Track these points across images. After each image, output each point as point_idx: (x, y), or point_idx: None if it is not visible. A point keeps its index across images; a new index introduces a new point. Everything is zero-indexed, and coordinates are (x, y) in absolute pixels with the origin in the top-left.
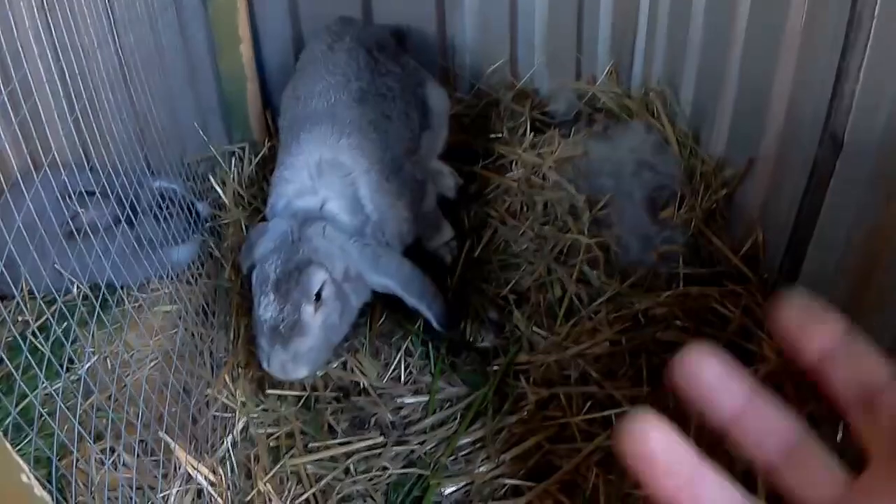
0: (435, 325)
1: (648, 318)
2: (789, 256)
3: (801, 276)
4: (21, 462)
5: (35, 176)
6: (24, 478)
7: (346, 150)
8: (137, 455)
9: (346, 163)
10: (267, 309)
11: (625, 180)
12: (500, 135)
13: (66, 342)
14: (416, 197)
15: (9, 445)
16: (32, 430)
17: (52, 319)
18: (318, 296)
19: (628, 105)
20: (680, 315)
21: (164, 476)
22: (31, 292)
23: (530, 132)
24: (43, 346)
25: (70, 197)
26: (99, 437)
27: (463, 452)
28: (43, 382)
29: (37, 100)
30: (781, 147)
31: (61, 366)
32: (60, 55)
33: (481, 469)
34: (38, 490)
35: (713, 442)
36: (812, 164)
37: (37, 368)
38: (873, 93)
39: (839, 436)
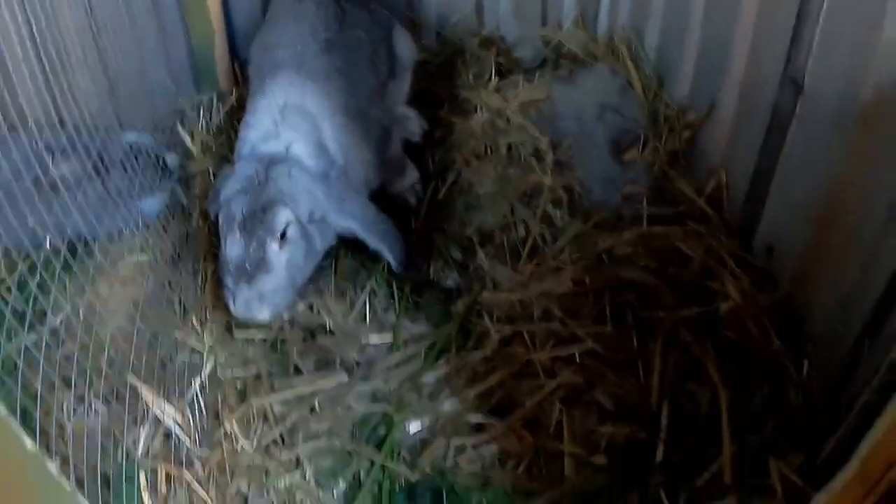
0: (395, 266)
1: (612, 258)
2: (751, 198)
3: (763, 217)
4: None
5: (7, 134)
6: None
7: (310, 97)
8: (107, 401)
9: (311, 108)
10: (233, 247)
11: (588, 123)
12: (465, 80)
13: (33, 296)
14: (382, 142)
15: None
16: (6, 382)
17: (25, 273)
18: (284, 234)
19: (593, 50)
20: (643, 254)
21: (134, 421)
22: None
23: (495, 77)
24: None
25: (42, 153)
26: (66, 388)
27: (427, 390)
28: (16, 335)
29: (7, 58)
30: (743, 91)
31: (32, 320)
32: (30, 14)
33: (445, 406)
34: (14, 425)
35: None
36: (773, 107)
37: (12, 319)
38: (833, 37)
39: (804, 371)
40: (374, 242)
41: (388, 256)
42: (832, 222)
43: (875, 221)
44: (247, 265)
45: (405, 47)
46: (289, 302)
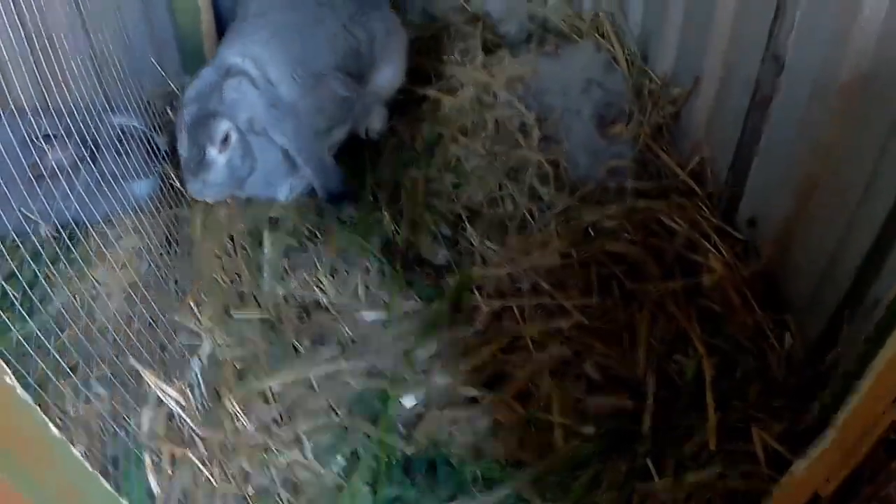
0: (320, 192)
1: (597, 231)
2: (734, 171)
3: (746, 191)
4: (3, 364)
5: (4, 121)
6: (7, 380)
7: (257, 44)
8: (111, 385)
9: (257, 51)
10: (182, 147)
11: (573, 98)
12: (451, 56)
13: (35, 284)
14: (333, 104)
15: None
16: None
17: (26, 262)
18: (226, 140)
19: (578, 26)
20: (628, 228)
21: (136, 403)
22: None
23: (481, 53)
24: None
25: (33, 141)
26: (71, 373)
27: (421, 365)
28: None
29: None
30: (725, 66)
31: (31, 308)
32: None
33: (438, 380)
34: (21, 392)
35: None
36: (755, 83)
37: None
38: (814, 15)
39: (786, 341)
40: (302, 164)
41: (315, 181)
42: (813, 195)
43: (854, 194)
44: (192, 164)
45: (395, 36)
46: (233, 191)
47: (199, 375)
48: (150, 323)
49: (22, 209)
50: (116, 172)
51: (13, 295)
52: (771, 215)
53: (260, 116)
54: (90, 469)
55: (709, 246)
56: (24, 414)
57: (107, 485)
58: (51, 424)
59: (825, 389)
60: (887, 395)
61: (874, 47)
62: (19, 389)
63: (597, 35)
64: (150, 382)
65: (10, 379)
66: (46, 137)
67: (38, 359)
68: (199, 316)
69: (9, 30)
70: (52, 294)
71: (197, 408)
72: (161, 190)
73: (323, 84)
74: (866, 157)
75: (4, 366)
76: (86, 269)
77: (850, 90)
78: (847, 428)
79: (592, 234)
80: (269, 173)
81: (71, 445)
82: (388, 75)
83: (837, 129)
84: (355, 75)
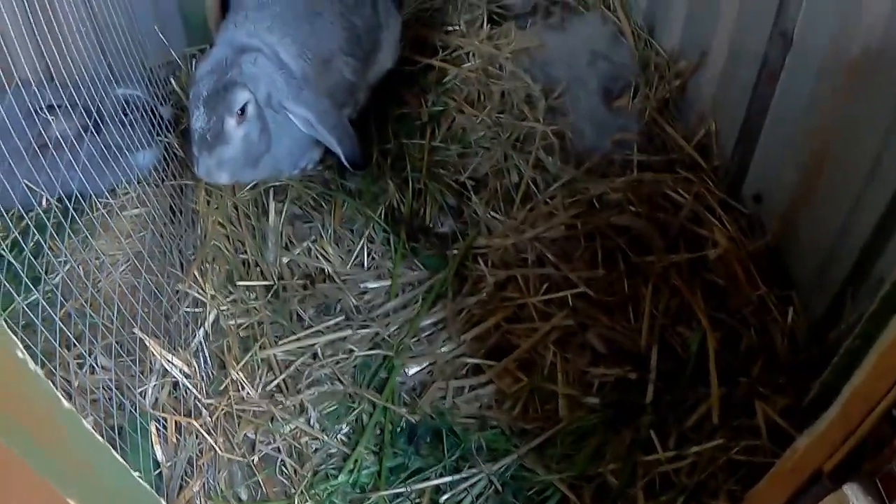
0: (343, 160)
1: (603, 203)
2: (740, 146)
3: (751, 166)
4: (14, 338)
5: (9, 93)
6: (18, 354)
7: (263, 30)
8: (117, 355)
9: (265, 36)
10: (198, 120)
11: (580, 70)
12: (457, 27)
13: (42, 254)
14: (340, 88)
15: (2, 322)
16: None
17: (30, 232)
18: (243, 111)
19: None
20: (634, 200)
21: (141, 373)
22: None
23: (487, 24)
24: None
25: (37, 112)
26: (77, 344)
27: (425, 334)
28: (27, 292)
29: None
30: (733, 42)
31: (36, 278)
32: None
33: (443, 349)
34: (32, 365)
35: None
36: (762, 59)
37: (25, 277)
38: None
39: (789, 317)
40: (324, 134)
41: (337, 150)
42: (819, 171)
43: (860, 171)
44: (207, 137)
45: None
46: (245, 172)
47: (203, 344)
48: (154, 293)
49: (27, 181)
50: (120, 143)
51: (18, 266)
52: (777, 191)
53: (279, 90)
54: (102, 441)
55: (713, 220)
56: (35, 388)
57: (118, 457)
58: (62, 398)
59: (829, 366)
60: (892, 371)
61: (883, 26)
62: (31, 363)
63: (603, 7)
64: (154, 352)
65: (22, 353)
66: (50, 108)
67: (43, 329)
68: (204, 285)
69: (13, 2)
70: (56, 265)
71: (202, 377)
72: (165, 160)
73: (331, 67)
74: (873, 135)
75: (16, 340)
76: (90, 240)
77: (858, 68)
78: (851, 404)
79: (598, 206)
80: (283, 154)
81: (82, 419)
82: (380, 60)
83: (844, 107)
84: (359, 60)
